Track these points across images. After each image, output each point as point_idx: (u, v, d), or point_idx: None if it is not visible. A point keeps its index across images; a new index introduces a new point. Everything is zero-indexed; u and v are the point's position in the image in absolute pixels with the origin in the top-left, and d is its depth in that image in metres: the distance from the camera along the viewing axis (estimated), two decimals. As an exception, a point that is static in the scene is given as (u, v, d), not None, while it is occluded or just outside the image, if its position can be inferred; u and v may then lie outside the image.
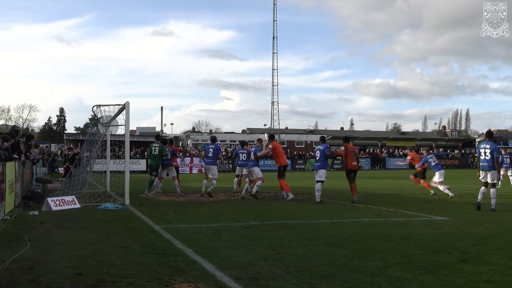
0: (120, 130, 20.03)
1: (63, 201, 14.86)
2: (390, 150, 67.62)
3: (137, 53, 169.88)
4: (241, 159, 20.41)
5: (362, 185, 23.33)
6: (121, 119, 18.63)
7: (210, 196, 18.79)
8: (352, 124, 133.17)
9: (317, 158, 17.15)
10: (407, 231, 10.35)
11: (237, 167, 21.01)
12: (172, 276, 6.42)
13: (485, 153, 14.40)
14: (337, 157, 17.64)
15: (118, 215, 13.30)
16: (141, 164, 49.06)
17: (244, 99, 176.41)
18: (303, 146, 74.68)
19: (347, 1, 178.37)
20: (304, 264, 7.18)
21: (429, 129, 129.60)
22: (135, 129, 79.47)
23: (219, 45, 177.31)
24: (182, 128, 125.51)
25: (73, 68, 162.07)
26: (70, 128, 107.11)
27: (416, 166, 21.77)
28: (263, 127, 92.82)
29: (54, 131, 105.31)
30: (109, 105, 18.25)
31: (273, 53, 78.62)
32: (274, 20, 78.43)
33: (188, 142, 76.16)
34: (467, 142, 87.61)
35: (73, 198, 15.34)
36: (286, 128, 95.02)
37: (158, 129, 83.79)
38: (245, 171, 20.20)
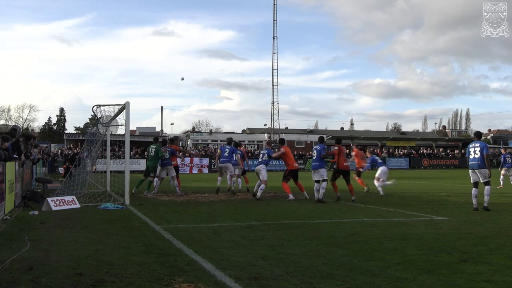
0: (120, 130, 20.07)
1: (63, 201, 14.87)
2: (390, 150, 67.58)
3: (138, 53, 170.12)
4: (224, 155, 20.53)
5: (361, 186, 23.34)
6: (121, 119, 18.67)
7: (234, 194, 19.69)
8: (352, 124, 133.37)
9: (315, 158, 17.45)
10: (407, 231, 10.35)
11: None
12: (172, 276, 6.42)
13: (474, 151, 14.41)
14: (331, 157, 17.69)
15: (118, 215, 13.30)
16: (141, 164, 48.96)
17: (244, 99, 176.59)
18: (303, 146, 74.66)
19: (348, 1, 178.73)
20: (304, 264, 7.18)
21: (429, 129, 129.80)
22: (135, 129, 79.39)
23: (220, 45, 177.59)
24: (182, 128, 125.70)
25: (73, 68, 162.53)
26: (70, 128, 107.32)
27: (356, 165, 22.80)
28: (263, 127, 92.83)
29: (54, 131, 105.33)
30: (109, 105, 18.27)
31: (273, 53, 78.52)
32: (274, 20, 78.31)
33: (188, 142, 76.14)
34: (467, 142, 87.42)
35: (73, 198, 15.34)
36: (286, 128, 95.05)
37: (158, 129, 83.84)
38: (237, 171, 21.01)
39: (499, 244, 8.88)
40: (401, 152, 65.52)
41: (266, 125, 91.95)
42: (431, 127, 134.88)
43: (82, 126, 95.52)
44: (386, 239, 9.38)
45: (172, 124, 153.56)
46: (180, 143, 69.96)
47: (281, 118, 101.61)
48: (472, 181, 14.59)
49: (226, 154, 20.31)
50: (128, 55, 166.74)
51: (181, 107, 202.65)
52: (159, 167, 20.20)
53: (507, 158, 26.45)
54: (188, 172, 48.69)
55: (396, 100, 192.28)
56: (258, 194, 17.92)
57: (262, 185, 18.19)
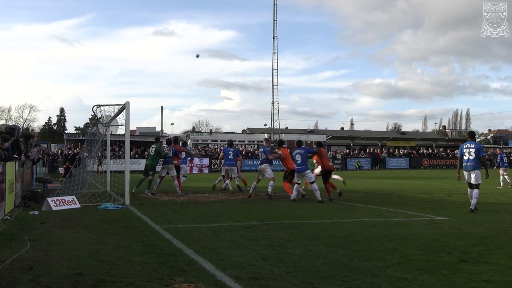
0: (120, 130, 20.09)
1: (63, 201, 14.87)
2: (390, 150, 67.58)
3: (138, 53, 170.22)
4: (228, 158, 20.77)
5: (362, 185, 23.40)
6: (121, 119, 18.68)
7: (232, 193, 20.17)
8: (352, 124, 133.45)
9: (299, 162, 17.39)
10: (407, 231, 10.35)
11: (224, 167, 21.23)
12: (172, 276, 6.42)
13: (469, 153, 14.24)
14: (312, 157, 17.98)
15: (118, 215, 13.30)
16: (141, 164, 48.84)
17: (244, 99, 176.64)
18: (303, 146, 74.57)
19: (348, 1, 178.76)
20: (304, 264, 7.19)
21: (429, 129, 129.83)
22: (135, 129, 79.43)
23: (220, 45, 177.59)
24: (182, 128, 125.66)
25: (74, 68, 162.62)
26: (70, 128, 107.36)
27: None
28: (263, 127, 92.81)
29: (54, 131, 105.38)
30: (109, 105, 18.27)
31: (273, 53, 78.49)
32: (274, 20, 78.27)
33: (188, 142, 76.13)
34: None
35: (73, 198, 15.35)
36: (286, 128, 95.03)
37: (158, 129, 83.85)
38: (234, 174, 21.10)
39: (499, 244, 8.88)
40: (401, 152, 65.48)
41: (266, 125, 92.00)
42: (431, 127, 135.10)
43: (82, 126, 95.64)
44: (386, 239, 9.38)
45: (172, 124, 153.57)
46: (180, 143, 69.95)
47: (281, 118, 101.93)
48: (466, 181, 14.44)
49: (230, 156, 20.59)
50: (128, 55, 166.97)
51: (181, 107, 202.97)
52: (160, 166, 20.31)
53: (504, 158, 26.50)
54: (188, 172, 48.66)
55: (396, 100, 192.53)
56: (269, 190, 17.92)
57: (272, 182, 18.23)
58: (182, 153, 22.19)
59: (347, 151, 66.00)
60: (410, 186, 25.01)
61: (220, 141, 72.11)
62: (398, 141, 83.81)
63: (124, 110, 16.82)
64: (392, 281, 6.22)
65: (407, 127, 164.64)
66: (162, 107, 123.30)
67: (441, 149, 71.49)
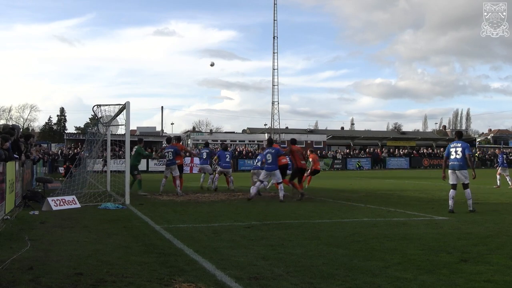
0: (121, 130, 20.09)
1: (64, 201, 14.87)
2: (391, 150, 67.59)
3: (138, 53, 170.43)
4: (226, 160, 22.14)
5: (362, 185, 23.40)
6: (121, 119, 18.68)
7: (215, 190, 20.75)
8: (352, 124, 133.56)
9: (270, 161, 17.53)
10: (407, 231, 10.35)
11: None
12: (172, 276, 6.42)
13: (456, 152, 14.09)
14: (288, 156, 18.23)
15: (118, 214, 13.30)
16: (141, 164, 48.99)
17: (244, 99, 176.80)
18: (304, 145, 74.68)
19: (349, 1, 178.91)
20: (304, 264, 7.18)
21: (429, 129, 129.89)
22: (135, 128, 79.44)
23: (220, 45, 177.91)
24: (183, 128, 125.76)
25: (74, 68, 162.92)
26: (70, 128, 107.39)
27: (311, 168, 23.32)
28: (263, 127, 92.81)
29: (54, 131, 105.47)
30: (109, 104, 18.28)
31: (273, 52, 78.46)
32: (274, 20, 78.24)
33: (189, 142, 76.12)
34: (468, 142, 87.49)
35: (73, 198, 15.34)
36: (287, 128, 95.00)
37: (158, 129, 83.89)
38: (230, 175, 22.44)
39: (500, 244, 8.87)
40: (402, 152, 65.50)
41: (266, 125, 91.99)
42: (432, 127, 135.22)
43: (82, 126, 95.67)
44: (386, 239, 9.37)
45: (172, 124, 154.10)
46: (181, 143, 69.94)
47: (281, 118, 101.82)
48: (450, 182, 14.19)
49: (227, 159, 22.06)
50: (129, 55, 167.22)
51: (182, 107, 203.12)
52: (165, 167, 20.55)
53: (503, 158, 26.53)
54: (189, 172, 48.70)
55: (396, 100, 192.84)
56: (281, 194, 17.43)
57: (281, 185, 18.05)
58: (203, 153, 22.56)
59: (347, 151, 66.02)
60: (410, 186, 25.01)
61: (220, 141, 72.09)
62: (398, 141, 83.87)
63: (125, 110, 16.83)
64: (393, 281, 6.22)
65: (407, 127, 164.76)
66: (162, 107, 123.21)
67: (442, 149, 71.40)
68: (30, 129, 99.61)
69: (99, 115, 18.95)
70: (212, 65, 32.29)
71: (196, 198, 18.38)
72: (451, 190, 14.06)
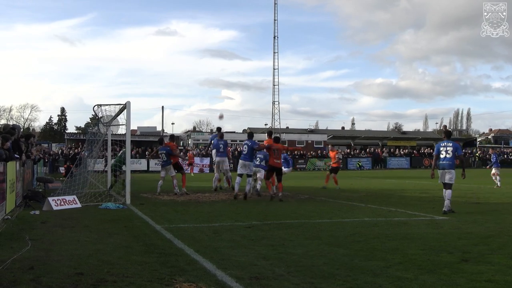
0: (121, 130, 20.09)
1: (64, 200, 14.87)
2: (391, 150, 67.60)
3: (139, 52, 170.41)
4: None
5: (363, 185, 23.40)
6: (122, 118, 18.66)
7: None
8: (353, 123, 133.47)
9: (245, 152, 18.08)
10: (408, 231, 10.35)
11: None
12: (173, 276, 6.42)
13: (446, 151, 13.94)
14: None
15: (119, 214, 13.30)
16: (142, 164, 49.15)
17: (245, 98, 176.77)
18: (304, 145, 74.68)
19: (349, 1, 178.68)
20: (305, 263, 7.18)
21: (430, 129, 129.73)
22: (136, 128, 79.48)
23: (221, 45, 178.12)
24: (183, 128, 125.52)
25: (75, 68, 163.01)
26: (71, 128, 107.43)
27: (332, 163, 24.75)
28: (264, 126, 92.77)
29: (55, 131, 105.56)
30: (110, 104, 18.28)
31: (274, 52, 78.57)
32: (275, 20, 78.41)
33: (189, 142, 76.14)
34: (468, 142, 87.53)
35: (74, 198, 15.34)
36: (287, 127, 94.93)
37: (159, 128, 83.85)
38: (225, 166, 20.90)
39: (501, 243, 8.87)
40: (402, 152, 65.49)
41: (267, 124, 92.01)
42: (432, 126, 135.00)
43: (83, 126, 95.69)
44: (387, 238, 9.37)
45: (173, 123, 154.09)
46: (181, 142, 69.98)
47: (282, 118, 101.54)
48: (441, 181, 14.08)
49: (221, 149, 20.57)
50: (129, 55, 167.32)
51: (182, 107, 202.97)
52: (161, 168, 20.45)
53: (497, 158, 26.54)
54: (189, 171, 48.71)
55: (397, 100, 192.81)
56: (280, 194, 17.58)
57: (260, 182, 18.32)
58: (220, 144, 21.79)
59: (348, 150, 66.02)
60: (411, 186, 25.02)
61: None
62: (399, 140, 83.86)
63: (125, 110, 16.83)
64: (394, 280, 6.22)
65: (408, 127, 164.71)
66: (162, 106, 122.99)
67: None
68: (31, 129, 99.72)
69: (100, 115, 18.95)
70: (221, 117, 31.45)
71: (197, 198, 18.37)
72: (444, 190, 13.97)
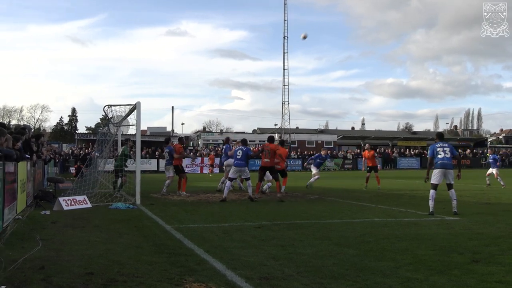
0: (131, 130, 20.15)
1: (75, 200, 14.93)
2: (402, 150, 67.39)
3: (150, 53, 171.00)
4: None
5: (372, 185, 23.34)
6: (132, 119, 18.71)
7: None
8: (363, 123, 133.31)
9: (239, 157, 17.80)
10: (418, 231, 10.31)
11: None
12: (183, 276, 6.43)
13: (444, 151, 13.81)
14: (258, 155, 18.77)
15: (129, 214, 13.34)
16: (152, 164, 49.27)
17: (255, 99, 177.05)
18: (314, 145, 74.63)
19: (361, 1, 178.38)
20: (314, 264, 7.17)
21: (440, 129, 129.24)
22: (146, 129, 79.65)
23: (232, 45, 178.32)
24: (193, 128, 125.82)
25: (86, 68, 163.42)
26: (81, 128, 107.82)
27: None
28: (274, 127, 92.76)
29: (65, 131, 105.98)
30: (120, 105, 18.34)
31: (284, 52, 78.40)
32: (285, 20, 78.12)
33: (199, 142, 76.25)
34: (479, 142, 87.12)
35: (84, 198, 15.40)
36: (297, 128, 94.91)
37: (169, 129, 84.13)
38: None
39: (510, 245, 8.82)
40: (412, 152, 65.28)
41: (276, 125, 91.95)
42: (443, 126, 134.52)
43: (93, 126, 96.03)
44: (397, 239, 9.34)
45: (183, 124, 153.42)
46: (191, 142, 70.07)
47: (292, 118, 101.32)
48: (435, 182, 13.80)
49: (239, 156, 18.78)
50: (140, 55, 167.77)
51: (192, 107, 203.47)
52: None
53: (497, 159, 26.43)
54: (199, 172, 48.79)
55: (408, 99, 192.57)
56: (250, 191, 17.71)
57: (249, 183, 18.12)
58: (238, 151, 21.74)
59: (358, 151, 65.87)
60: (421, 186, 24.87)
61: (232, 141, 71.99)
62: (409, 141, 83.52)
63: (135, 110, 16.87)
64: (404, 281, 6.20)
65: (418, 127, 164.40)
66: (172, 107, 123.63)
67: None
68: (42, 129, 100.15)
69: (110, 115, 19.02)
70: (305, 37, 29.55)
71: (207, 198, 18.41)
72: (433, 191, 13.76)
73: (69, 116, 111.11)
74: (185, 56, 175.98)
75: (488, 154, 27.62)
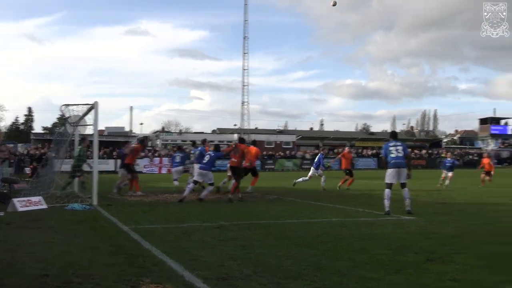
0: (89, 130, 19.87)
1: (30, 201, 14.65)
2: (359, 150, 68.06)
3: (109, 52, 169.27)
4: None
5: (330, 185, 23.50)
6: (90, 118, 18.45)
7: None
8: (322, 124, 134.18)
9: (205, 161, 17.77)
10: (375, 231, 10.43)
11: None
12: (140, 277, 6.37)
13: (397, 150, 13.95)
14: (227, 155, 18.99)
15: (85, 215, 13.17)
16: (109, 164, 48.68)
17: (215, 99, 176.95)
18: (273, 146, 74.89)
19: (322, 2, 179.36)
20: (273, 264, 7.19)
21: (397, 130, 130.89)
22: (103, 128, 78.75)
23: (192, 45, 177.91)
24: (152, 128, 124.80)
25: (43, 67, 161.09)
26: (38, 128, 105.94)
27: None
28: (233, 127, 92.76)
29: (21, 131, 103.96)
30: (77, 104, 18.05)
31: (244, 53, 78.65)
32: (245, 20, 78.54)
33: (158, 142, 75.74)
34: (434, 143, 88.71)
35: (40, 199, 15.13)
36: (256, 128, 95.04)
37: (127, 129, 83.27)
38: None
39: (465, 243, 8.99)
40: (370, 153, 66.00)
41: (236, 125, 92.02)
42: (400, 127, 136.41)
43: (50, 126, 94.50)
44: (354, 239, 9.43)
45: (141, 124, 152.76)
46: (150, 143, 69.54)
47: (252, 118, 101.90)
48: (389, 181, 13.95)
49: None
50: (99, 54, 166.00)
51: (152, 107, 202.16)
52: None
53: (454, 162, 26.93)
54: (157, 172, 48.49)
55: (367, 101, 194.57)
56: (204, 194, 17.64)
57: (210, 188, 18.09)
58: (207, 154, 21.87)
59: (316, 151, 66.31)
60: (378, 186, 25.15)
61: (190, 141, 71.77)
62: (366, 141, 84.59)
63: (93, 110, 16.66)
64: (361, 280, 6.26)
65: (376, 128, 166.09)
66: (131, 107, 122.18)
67: (409, 150, 72.16)
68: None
69: (67, 115, 18.72)
70: (334, 4, 27.85)
71: (165, 198, 18.29)
72: (388, 190, 13.86)
73: (25, 115, 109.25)
74: (145, 55, 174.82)
75: (447, 157, 27.87)
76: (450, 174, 26.09)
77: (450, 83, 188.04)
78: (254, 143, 20.33)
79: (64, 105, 18.14)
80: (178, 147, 24.96)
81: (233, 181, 18.20)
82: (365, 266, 7.09)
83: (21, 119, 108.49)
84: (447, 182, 25.66)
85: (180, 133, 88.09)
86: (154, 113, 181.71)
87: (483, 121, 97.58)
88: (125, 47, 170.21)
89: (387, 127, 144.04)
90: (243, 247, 8.56)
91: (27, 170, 41.72)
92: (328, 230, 10.59)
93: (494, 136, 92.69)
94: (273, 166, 58.09)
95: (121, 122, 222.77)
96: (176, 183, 22.53)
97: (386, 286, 6.05)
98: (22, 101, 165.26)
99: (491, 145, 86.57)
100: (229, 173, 19.90)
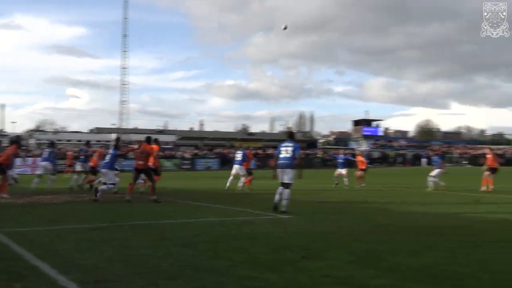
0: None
1: None
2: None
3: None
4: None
5: (210, 185, 23.61)
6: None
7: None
8: (202, 124, 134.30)
9: (108, 161, 18.10)
10: (254, 230, 10.57)
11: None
12: (9, 283, 6.07)
13: (286, 151, 14.19)
14: (128, 153, 19.02)
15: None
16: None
17: (93, 97, 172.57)
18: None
19: (204, 2, 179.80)
20: (151, 264, 7.11)
21: (276, 130, 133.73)
22: (-29, 127, 74.53)
23: (70, 42, 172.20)
24: (25, 127, 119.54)
25: None
26: None
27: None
28: (111, 126, 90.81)
29: None
30: None
31: (123, 51, 77.26)
32: (124, 18, 77.10)
33: (31, 142, 72.71)
34: (311, 143, 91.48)
35: None
36: (135, 128, 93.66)
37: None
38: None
39: (339, 240, 9.35)
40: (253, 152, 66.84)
41: (114, 124, 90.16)
42: (278, 128, 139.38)
43: None
44: (233, 238, 9.52)
45: (14, 122, 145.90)
46: (24, 142, 66.62)
47: (131, 118, 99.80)
48: (280, 181, 14.29)
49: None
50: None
51: (25, 105, 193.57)
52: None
53: (345, 160, 27.75)
54: (30, 172, 46.56)
55: (247, 101, 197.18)
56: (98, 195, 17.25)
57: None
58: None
59: (196, 151, 66.38)
60: (257, 186, 25.57)
61: (67, 140, 69.58)
62: (246, 141, 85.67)
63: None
64: (239, 279, 6.32)
65: (255, 128, 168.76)
66: (3, 104, 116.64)
67: (301, 152, 73.68)
68: None
69: None
70: (285, 28, 27.25)
71: (38, 200, 17.57)
72: (280, 188, 14.16)
73: None
74: (19, 51, 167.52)
75: (340, 154, 28.78)
76: (344, 171, 26.53)
77: (325, 86, 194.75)
78: (156, 141, 19.79)
79: None
80: (51, 143, 24.29)
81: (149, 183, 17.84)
82: (244, 265, 7.17)
83: None
84: (345, 180, 26.19)
85: (56, 132, 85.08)
86: (28, 111, 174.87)
87: (356, 123, 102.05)
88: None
89: (266, 127, 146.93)
90: (120, 248, 8.40)
91: None
92: (207, 230, 10.62)
93: (366, 137, 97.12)
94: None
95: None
96: (36, 181, 21.98)
97: (264, 284, 6.14)
98: None
99: (364, 146, 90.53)
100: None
